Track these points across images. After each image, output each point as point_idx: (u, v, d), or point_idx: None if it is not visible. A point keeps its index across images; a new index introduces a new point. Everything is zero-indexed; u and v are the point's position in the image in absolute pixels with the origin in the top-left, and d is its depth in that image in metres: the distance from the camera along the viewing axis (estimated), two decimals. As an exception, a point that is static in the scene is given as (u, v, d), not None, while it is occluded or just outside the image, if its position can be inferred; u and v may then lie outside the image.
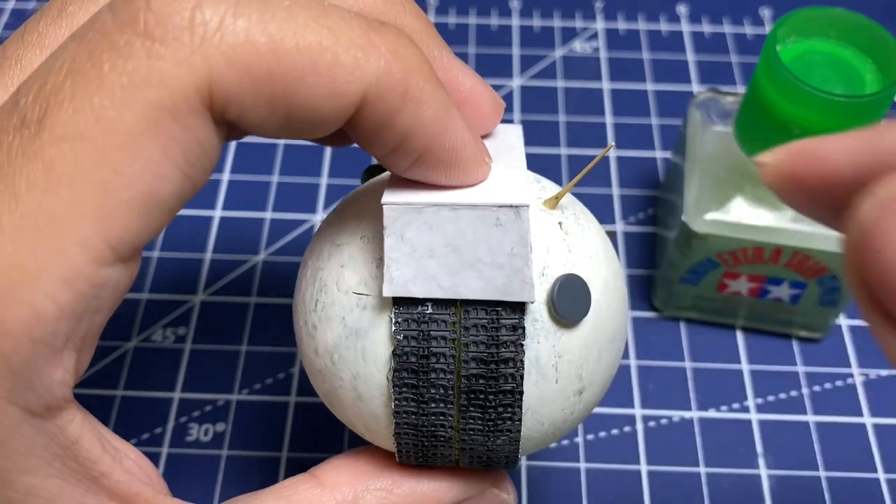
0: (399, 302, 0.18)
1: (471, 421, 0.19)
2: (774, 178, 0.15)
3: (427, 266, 0.18)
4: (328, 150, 0.38)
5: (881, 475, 0.29)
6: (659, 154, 0.38)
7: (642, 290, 0.33)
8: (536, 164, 0.37)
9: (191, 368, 0.31)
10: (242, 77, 0.15)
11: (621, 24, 0.43)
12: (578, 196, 0.36)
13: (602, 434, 0.30)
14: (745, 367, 0.31)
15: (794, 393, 0.31)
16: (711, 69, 0.41)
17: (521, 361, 0.18)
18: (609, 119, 0.39)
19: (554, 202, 0.20)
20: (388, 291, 0.18)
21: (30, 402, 0.15)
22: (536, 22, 0.43)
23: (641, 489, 0.28)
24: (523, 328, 0.18)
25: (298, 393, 0.30)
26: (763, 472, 0.29)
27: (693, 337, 0.32)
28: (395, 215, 0.18)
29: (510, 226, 0.18)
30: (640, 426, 0.30)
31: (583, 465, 0.29)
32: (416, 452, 0.20)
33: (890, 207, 0.12)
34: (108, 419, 0.30)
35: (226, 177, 0.36)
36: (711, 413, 0.30)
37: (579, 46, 0.42)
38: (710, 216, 0.28)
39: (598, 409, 0.30)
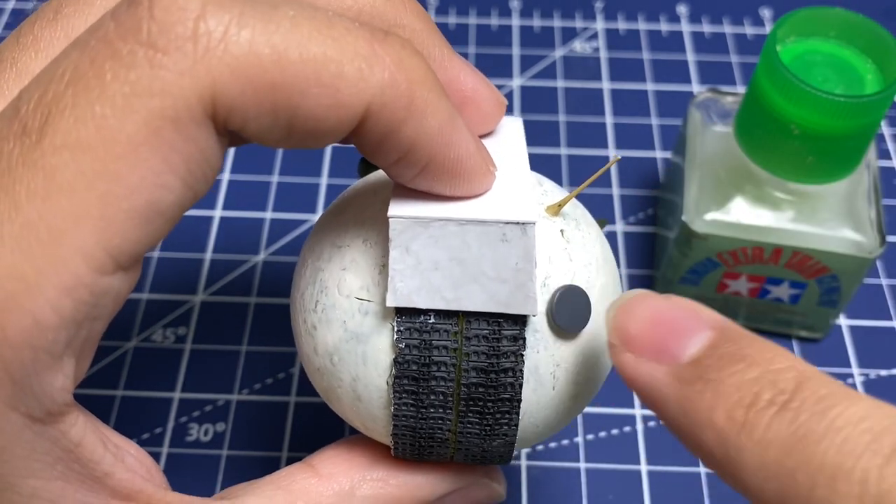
0: (401, 310, 0.18)
1: (468, 425, 0.19)
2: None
3: (431, 278, 0.18)
4: (328, 150, 0.38)
5: (881, 475, 0.29)
6: (659, 154, 0.38)
7: (642, 290, 0.33)
8: (536, 163, 0.37)
9: (191, 368, 0.31)
10: (246, 87, 0.15)
11: (621, 24, 0.43)
12: (579, 195, 0.36)
13: (602, 434, 0.30)
14: (745, 367, 0.31)
15: (794, 393, 0.31)
16: (711, 69, 0.41)
17: (521, 371, 0.19)
18: (609, 119, 0.39)
19: (556, 209, 0.20)
20: (392, 302, 0.18)
21: (31, 408, 0.15)
22: (536, 22, 0.43)
23: (641, 489, 0.28)
24: (524, 339, 0.18)
25: (298, 393, 0.30)
26: (763, 472, 0.29)
27: (693, 337, 0.32)
28: (401, 228, 0.17)
29: (516, 241, 0.18)
30: (640, 426, 0.30)
31: (583, 465, 0.29)
32: (412, 450, 0.20)
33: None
34: (108, 419, 0.30)
35: (226, 177, 0.36)
36: (711, 413, 0.30)
37: (579, 46, 0.42)
38: (710, 216, 0.28)
39: (598, 409, 0.30)
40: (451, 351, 0.18)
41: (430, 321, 0.18)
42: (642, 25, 0.43)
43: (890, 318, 0.32)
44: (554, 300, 0.19)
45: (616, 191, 0.36)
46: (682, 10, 0.43)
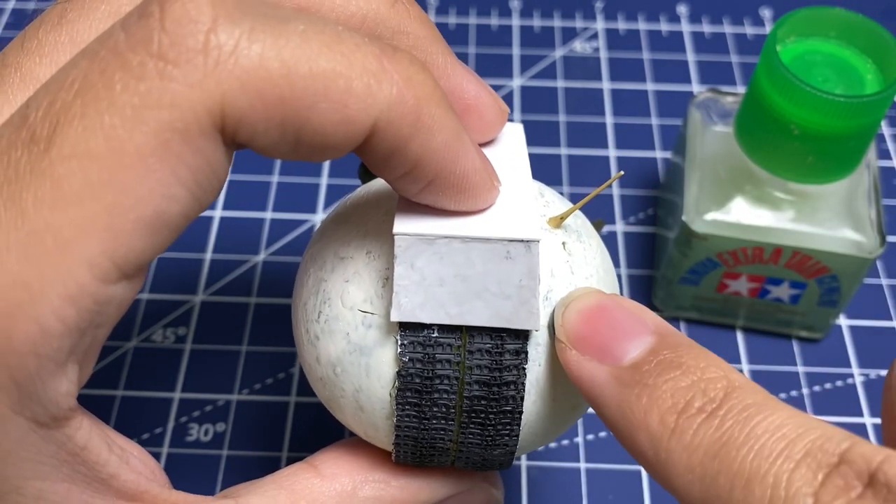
0: (405, 324, 0.18)
1: (470, 436, 0.19)
2: None
3: (436, 294, 0.18)
4: (328, 150, 0.38)
5: (881, 475, 0.29)
6: (659, 154, 0.38)
7: (642, 290, 0.33)
8: (537, 163, 0.37)
9: (191, 368, 0.31)
10: (255, 101, 0.15)
11: (621, 24, 0.43)
12: (579, 195, 0.36)
13: (602, 434, 0.30)
14: (745, 367, 0.31)
15: (794, 393, 0.31)
16: (711, 69, 0.41)
17: (523, 384, 0.19)
18: (609, 119, 0.39)
19: (558, 221, 0.20)
20: (396, 317, 0.18)
21: (36, 414, 0.15)
22: (536, 22, 0.43)
23: (641, 489, 0.28)
24: (526, 353, 0.19)
25: (298, 393, 0.30)
26: (763, 472, 0.29)
27: (693, 337, 0.32)
28: (405, 245, 0.18)
29: (520, 259, 0.18)
30: (640, 426, 0.30)
31: (583, 465, 0.29)
32: (413, 457, 0.20)
33: None
34: (108, 419, 0.30)
35: (226, 177, 0.36)
36: (711, 413, 0.30)
37: (579, 46, 0.42)
38: (710, 216, 0.28)
39: (598, 409, 0.30)
40: (455, 364, 0.18)
41: (434, 335, 0.18)
42: (642, 25, 0.43)
43: (890, 318, 0.32)
44: (556, 315, 0.19)
45: (616, 191, 0.36)
46: (682, 10, 0.43)
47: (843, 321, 0.32)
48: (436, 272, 0.18)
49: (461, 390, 0.19)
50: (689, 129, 0.31)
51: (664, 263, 0.31)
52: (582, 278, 0.20)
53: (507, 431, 0.19)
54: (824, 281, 0.29)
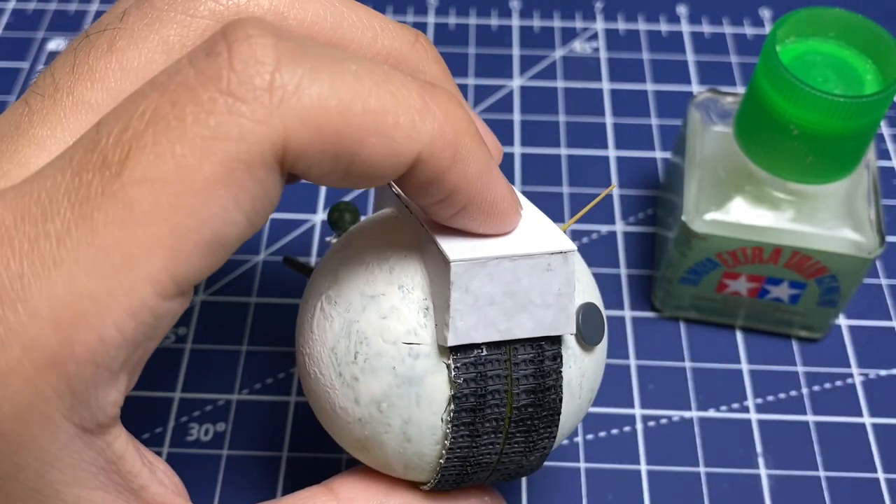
0: (456, 347, 0.19)
1: (514, 445, 0.20)
2: None
3: (487, 313, 0.19)
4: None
5: (881, 475, 0.29)
6: (659, 154, 0.38)
7: (642, 290, 0.33)
8: (537, 164, 0.37)
9: (191, 368, 0.31)
10: (314, 136, 0.16)
11: (621, 25, 0.43)
12: (579, 196, 0.36)
13: (602, 434, 0.30)
14: (744, 367, 0.31)
15: (793, 393, 0.31)
16: (711, 69, 0.41)
17: (560, 387, 0.20)
18: (609, 119, 0.39)
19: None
20: (453, 341, 0.19)
21: (84, 420, 0.16)
22: (536, 22, 0.43)
23: (641, 489, 0.28)
24: (561, 356, 0.20)
25: (298, 393, 0.30)
26: (763, 471, 0.29)
27: (693, 337, 0.32)
28: (461, 271, 0.19)
29: (559, 269, 0.19)
30: (639, 426, 0.30)
31: (583, 465, 0.29)
32: (455, 480, 0.21)
33: None
34: (108, 419, 0.30)
35: (226, 177, 0.36)
36: (711, 413, 0.30)
37: (579, 46, 0.42)
38: (710, 216, 0.28)
39: (598, 409, 0.30)
40: (503, 378, 0.19)
41: (483, 353, 0.19)
42: (642, 26, 0.43)
43: (890, 318, 0.33)
44: (579, 317, 0.20)
45: (616, 191, 0.36)
46: (681, 10, 0.43)
47: (843, 321, 0.33)
48: (487, 292, 0.19)
49: (510, 402, 0.20)
50: (688, 130, 0.31)
51: (664, 263, 0.31)
52: (584, 285, 0.22)
53: (548, 434, 0.20)
54: (824, 281, 0.29)
